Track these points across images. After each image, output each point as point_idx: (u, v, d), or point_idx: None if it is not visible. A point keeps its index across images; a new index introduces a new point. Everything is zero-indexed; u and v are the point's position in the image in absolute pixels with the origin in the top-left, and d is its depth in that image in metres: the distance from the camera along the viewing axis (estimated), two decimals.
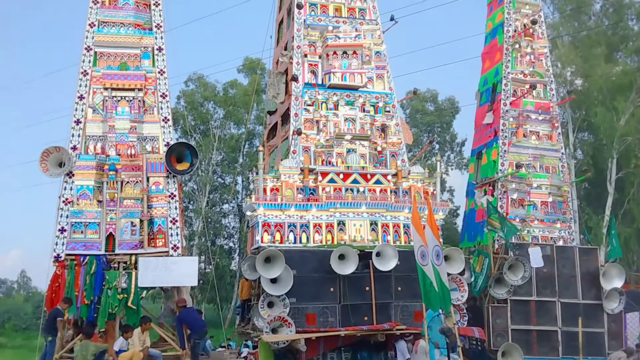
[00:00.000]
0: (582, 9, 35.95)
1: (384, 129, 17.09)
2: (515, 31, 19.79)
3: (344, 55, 16.89)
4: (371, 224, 16.04)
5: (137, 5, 15.65)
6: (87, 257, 13.75)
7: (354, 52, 16.95)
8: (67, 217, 14.03)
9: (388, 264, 15.08)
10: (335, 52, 16.84)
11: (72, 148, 14.46)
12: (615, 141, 33.20)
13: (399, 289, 15.35)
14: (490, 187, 18.97)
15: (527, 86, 19.34)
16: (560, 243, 18.37)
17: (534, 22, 19.85)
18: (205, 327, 14.74)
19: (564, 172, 19.49)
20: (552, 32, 32.88)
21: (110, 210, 14.23)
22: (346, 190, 16.21)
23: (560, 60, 33.88)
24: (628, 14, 37.28)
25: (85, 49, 15.09)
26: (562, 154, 19.78)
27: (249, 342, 22.64)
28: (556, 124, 19.76)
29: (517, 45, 19.73)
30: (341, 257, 14.87)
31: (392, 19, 18.20)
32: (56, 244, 13.84)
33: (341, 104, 16.89)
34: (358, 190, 16.30)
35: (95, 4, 15.35)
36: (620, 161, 34.25)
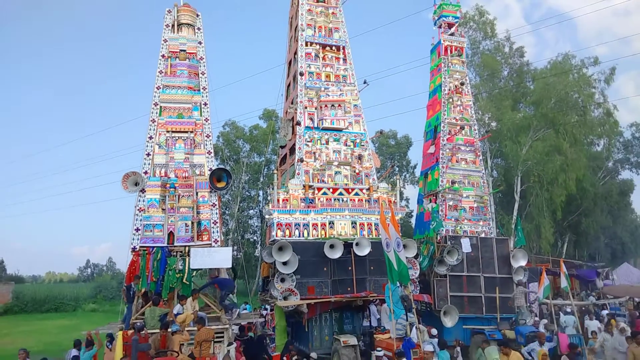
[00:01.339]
0: (495, 74, 36.23)
1: (360, 157, 17.08)
2: (449, 90, 19.90)
3: (333, 107, 16.93)
4: (352, 223, 15.97)
5: (190, 74, 15.68)
6: (155, 248, 13.64)
7: (339, 105, 16.99)
8: (140, 220, 13.94)
9: (364, 250, 15.07)
10: (326, 105, 16.88)
11: (144, 172, 14.38)
12: (519, 165, 33.31)
13: (372, 268, 15.29)
14: (434, 197, 18.95)
15: (458, 127, 19.41)
16: (483, 235, 18.32)
17: (462, 84, 19.99)
18: (232, 283, 14.41)
19: (484, 186, 19.50)
20: (474, 90, 33.15)
21: (170, 215, 14.14)
22: (335, 200, 16.17)
23: (480, 109, 34.13)
24: (526, 78, 37.61)
25: (154, 104, 15.09)
26: (483, 174, 19.80)
27: (267, 307, 22.45)
28: (478, 153, 19.81)
29: (451, 100, 19.84)
30: (331, 246, 14.82)
31: (364, 82, 18.27)
32: (133, 239, 13.72)
33: (330, 141, 16.89)
34: (343, 200, 16.26)
35: (161, 74, 15.37)
36: (523, 178, 34.36)
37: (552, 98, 33.26)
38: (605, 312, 20.33)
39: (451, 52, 20.39)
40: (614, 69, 36.13)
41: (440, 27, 20.98)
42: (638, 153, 43.83)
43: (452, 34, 20.67)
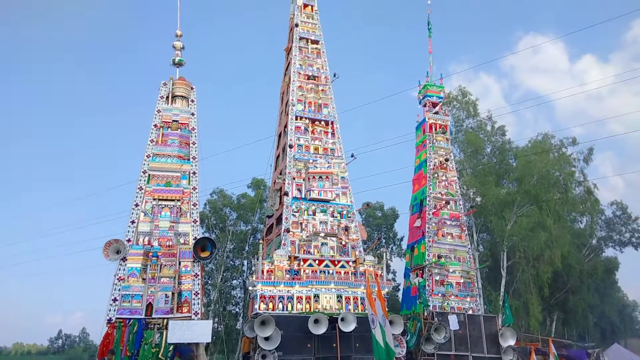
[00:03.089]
0: (479, 151, 37.39)
1: (346, 229, 17.08)
2: (434, 166, 20.42)
3: (320, 179, 17.19)
4: (338, 297, 15.64)
5: (181, 144, 15.93)
6: (132, 320, 13.10)
7: (327, 177, 17.27)
8: (119, 290, 13.49)
9: (349, 326, 14.62)
10: (314, 177, 17.14)
11: (127, 240, 14.13)
12: (505, 240, 33.43)
13: (357, 345, 14.77)
14: (421, 271, 18.78)
15: (444, 202, 19.69)
16: (470, 312, 17.99)
17: (446, 160, 20.57)
18: (191, 351, 13.37)
19: (470, 261, 19.44)
20: (459, 166, 33.97)
21: (151, 285, 13.73)
22: (320, 272, 15.93)
23: (465, 185, 34.78)
24: (508, 155, 38.82)
25: (142, 172, 15.16)
26: (469, 248, 19.83)
27: None
28: (464, 228, 19.96)
29: (436, 175, 20.28)
30: (316, 321, 14.38)
31: (352, 155, 18.68)
32: (109, 310, 13.19)
33: (317, 212, 16.96)
34: (329, 272, 16.02)
35: (152, 142, 15.60)
36: (509, 254, 34.33)
37: (534, 175, 34.16)
38: None
39: (436, 129, 21.18)
40: (592, 149, 37.62)
41: (425, 105, 21.95)
42: (620, 231, 44.45)
43: (436, 113, 21.60)
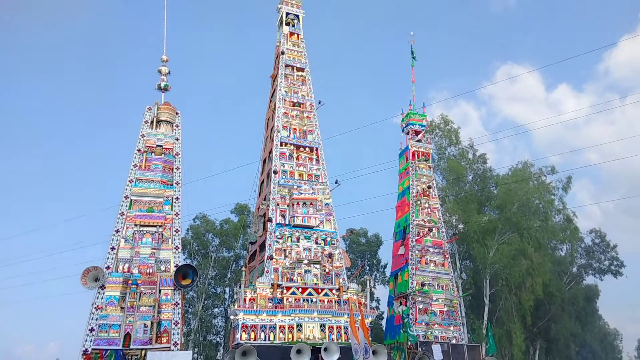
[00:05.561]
0: (461, 178, 37.92)
1: (330, 256, 17.04)
2: (417, 193, 20.63)
3: (304, 205, 17.22)
4: (321, 326, 15.47)
5: (164, 169, 15.85)
6: (109, 351, 12.74)
7: (311, 203, 17.30)
8: (96, 319, 13.14)
9: (333, 356, 14.42)
10: (298, 203, 17.16)
11: (106, 267, 13.84)
12: (487, 267, 33.63)
13: None
14: (404, 299, 18.73)
15: (427, 229, 19.84)
16: (454, 341, 17.93)
17: (429, 187, 20.82)
18: None
19: (453, 289, 19.49)
20: (441, 193, 34.34)
21: (129, 314, 13.40)
22: (303, 300, 15.80)
23: (448, 212, 35.09)
24: (490, 183, 39.44)
25: (124, 197, 14.99)
26: (452, 276, 19.91)
27: None
28: (447, 256, 20.07)
29: (419, 202, 20.47)
30: (298, 351, 14.17)
31: (336, 182, 18.84)
32: (86, 340, 12.81)
33: (301, 238, 16.92)
34: (312, 301, 15.89)
35: (135, 167, 15.48)
36: (492, 281, 34.49)
37: (515, 203, 34.70)
38: None
39: (418, 157, 21.50)
40: (570, 177, 38.54)
41: (408, 133, 22.32)
42: (600, 259, 45.18)
43: (419, 141, 21.96)
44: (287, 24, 20.78)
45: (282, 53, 19.99)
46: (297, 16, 21.02)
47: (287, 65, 20.00)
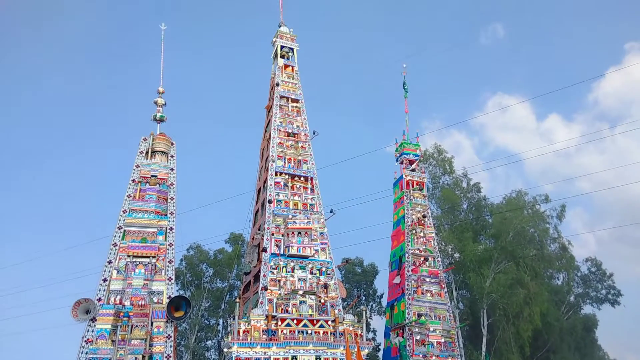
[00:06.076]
0: (455, 207, 37.99)
1: (326, 286, 16.87)
2: (412, 222, 20.63)
3: (299, 234, 17.16)
4: (316, 359, 15.20)
5: (158, 199, 15.86)
6: None
7: (306, 233, 17.24)
8: (86, 353, 12.89)
9: None
10: (293, 232, 17.10)
11: (97, 299, 13.64)
12: (484, 297, 33.31)
13: None
14: (401, 330, 18.47)
15: (422, 259, 19.76)
16: None
17: (424, 217, 20.84)
18: None
19: (451, 319, 19.27)
20: (436, 222, 34.31)
21: (120, 348, 13.14)
22: (298, 332, 15.56)
23: (443, 241, 34.96)
24: (485, 212, 39.51)
25: (118, 227, 14.92)
26: (449, 306, 19.72)
27: None
28: (443, 285, 19.93)
29: (414, 231, 20.45)
30: None
31: (331, 211, 18.76)
32: None
33: (296, 268, 16.80)
34: (307, 332, 15.64)
35: (129, 198, 15.47)
36: (489, 311, 34.10)
37: (510, 232, 34.69)
38: None
39: (413, 186, 21.61)
40: (564, 206, 38.69)
41: (402, 162, 22.50)
42: (596, 288, 44.91)
43: (413, 170, 22.12)
44: (282, 56, 21.21)
45: (277, 85, 20.32)
46: (292, 49, 21.47)
47: (282, 97, 20.31)
